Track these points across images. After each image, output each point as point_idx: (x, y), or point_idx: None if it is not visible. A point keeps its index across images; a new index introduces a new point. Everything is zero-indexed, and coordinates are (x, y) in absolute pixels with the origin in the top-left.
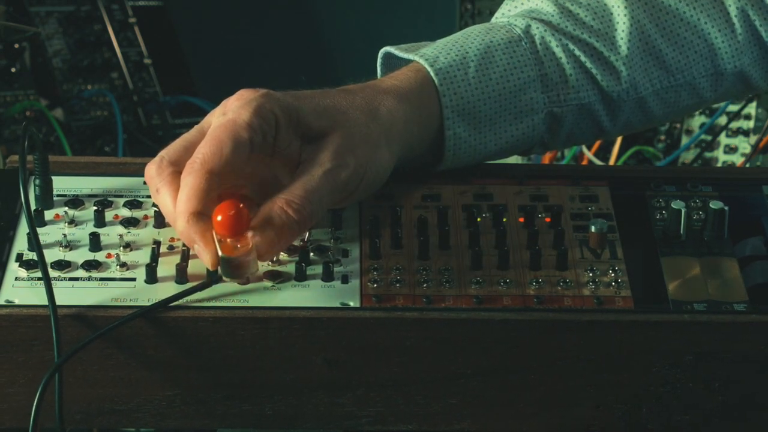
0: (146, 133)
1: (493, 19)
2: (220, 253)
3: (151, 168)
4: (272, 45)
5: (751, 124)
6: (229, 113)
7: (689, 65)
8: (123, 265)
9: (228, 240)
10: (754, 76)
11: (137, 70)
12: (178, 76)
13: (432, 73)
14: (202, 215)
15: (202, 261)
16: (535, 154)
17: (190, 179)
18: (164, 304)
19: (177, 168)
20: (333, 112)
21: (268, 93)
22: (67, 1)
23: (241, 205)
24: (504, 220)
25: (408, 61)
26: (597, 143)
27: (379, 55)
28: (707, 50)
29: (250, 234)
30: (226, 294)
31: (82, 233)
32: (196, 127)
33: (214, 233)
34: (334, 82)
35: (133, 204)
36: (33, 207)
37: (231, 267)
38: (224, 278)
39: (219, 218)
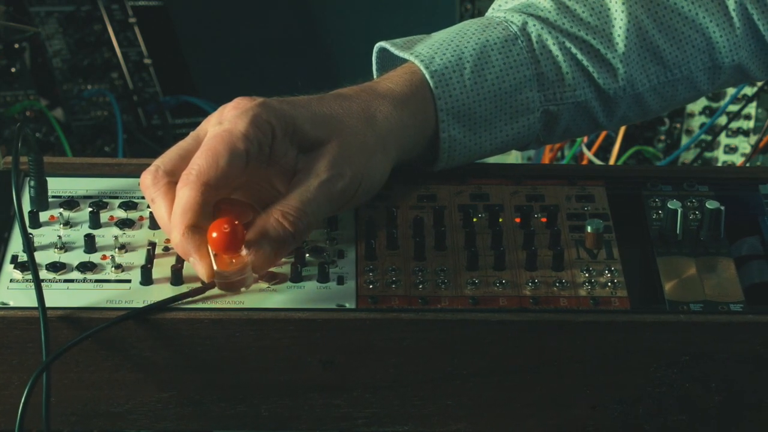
0: (146, 133)
1: (489, 12)
2: (215, 267)
3: (147, 178)
4: (272, 45)
5: (751, 124)
6: (225, 123)
7: (687, 60)
8: (118, 267)
9: (223, 255)
10: (751, 68)
11: (137, 70)
12: (178, 76)
13: (427, 76)
14: (197, 228)
15: (197, 274)
16: (530, 149)
17: (186, 192)
18: (155, 308)
19: (172, 178)
20: (329, 121)
21: (264, 102)
22: (67, 1)
23: (236, 222)
24: (500, 220)
25: (402, 59)
26: (597, 143)
27: (374, 50)
28: (705, 45)
29: (245, 251)
30: (222, 296)
31: (77, 235)
32: (191, 134)
33: (209, 247)
34: (333, 82)
35: (129, 205)
36: (28, 208)
37: (226, 282)
38: (219, 290)
39: (214, 235)
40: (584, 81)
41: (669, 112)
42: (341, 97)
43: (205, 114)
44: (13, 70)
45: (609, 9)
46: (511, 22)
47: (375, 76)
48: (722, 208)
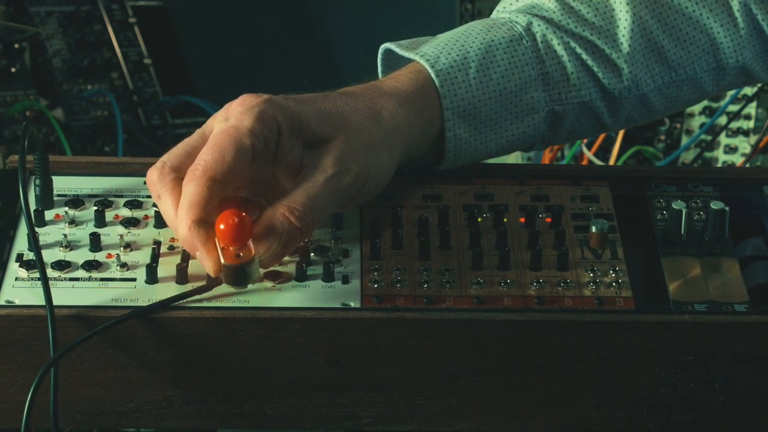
0: (146, 133)
1: (494, 14)
2: (222, 261)
3: (153, 174)
4: (272, 45)
5: (751, 124)
6: (232, 119)
7: (691, 60)
8: (123, 266)
9: (230, 248)
10: (756, 69)
11: (137, 70)
12: (178, 76)
13: (433, 75)
14: (204, 223)
15: (204, 268)
16: (536, 150)
17: (192, 187)
18: (160, 306)
19: (179, 174)
20: (335, 117)
21: (270, 99)
22: (67, 1)
23: (244, 214)
24: (505, 220)
25: (408, 60)
26: (597, 143)
27: (380, 51)
28: (709, 45)
29: (252, 245)
30: (227, 294)
31: (82, 233)
32: (198, 131)
33: (216, 241)
34: (333, 82)
35: (134, 204)
36: (33, 207)
37: (233, 275)
38: (226, 285)
39: (221, 227)
40: (589, 81)
41: (674, 113)
42: (347, 94)
43: (205, 114)
44: (13, 70)
45: (613, 9)
46: (516, 22)
47: (380, 78)
48: (727, 208)
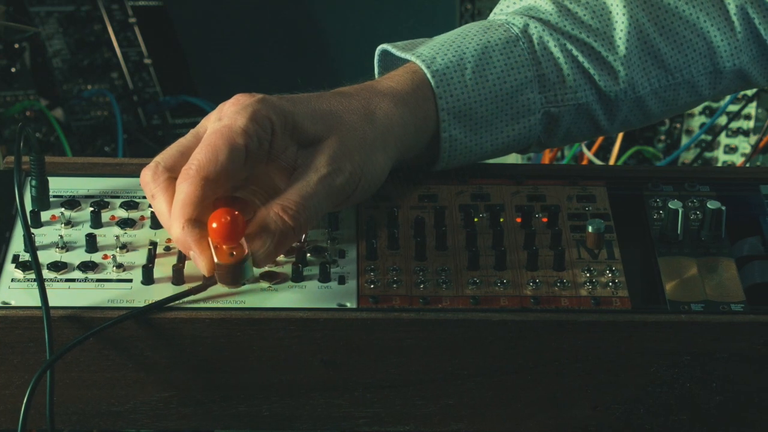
0: (146, 133)
1: (491, 16)
2: (215, 259)
3: (147, 174)
4: (272, 45)
5: (751, 124)
6: (225, 119)
7: (688, 64)
8: (119, 266)
9: (224, 247)
10: (753, 73)
11: (137, 70)
12: (178, 76)
13: (429, 75)
14: (197, 222)
15: (198, 267)
16: (532, 152)
17: (185, 186)
18: (157, 307)
19: (172, 174)
20: (329, 117)
21: (264, 98)
22: (67, 1)
23: (236, 213)
24: (501, 220)
25: (405, 60)
26: (597, 143)
27: (376, 52)
28: (706, 49)
29: (245, 243)
30: (223, 295)
31: (78, 234)
32: (191, 131)
33: (209, 240)
34: (333, 82)
35: (130, 205)
36: (29, 208)
37: (227, 274)
38: (220, 284)
39: (214, 225)
40: (585, 83)
41: (671, 117)
42: (341, 94)
43: (205, 114)
44: (13, 70)
45: (610, 12)
46: (513, 24)
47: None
48: (723, 208)
